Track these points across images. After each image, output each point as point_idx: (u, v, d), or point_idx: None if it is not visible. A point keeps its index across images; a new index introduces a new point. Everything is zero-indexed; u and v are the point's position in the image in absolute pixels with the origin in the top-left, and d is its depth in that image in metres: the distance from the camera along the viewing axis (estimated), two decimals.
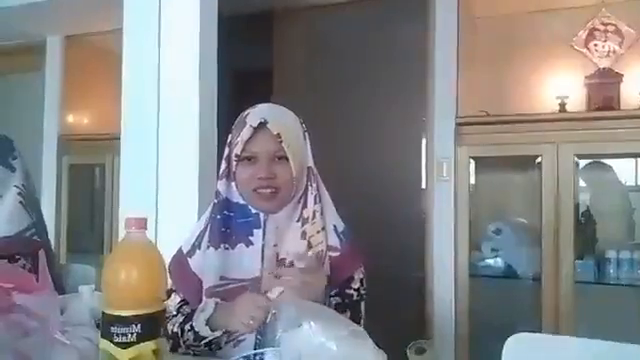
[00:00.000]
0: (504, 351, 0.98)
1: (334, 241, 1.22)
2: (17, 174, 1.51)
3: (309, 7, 3.46)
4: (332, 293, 1.19)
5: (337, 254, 1.21)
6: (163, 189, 2.03)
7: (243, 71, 3.54)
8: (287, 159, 1.18)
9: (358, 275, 1.24)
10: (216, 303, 1.14)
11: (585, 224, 2.86)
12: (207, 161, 1.98)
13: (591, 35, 3.05)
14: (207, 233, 1.23)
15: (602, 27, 3.05)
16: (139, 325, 0.77)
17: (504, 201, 3.15)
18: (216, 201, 1.24)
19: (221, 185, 1.24)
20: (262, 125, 1.18)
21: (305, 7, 3.47)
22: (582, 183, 2.90)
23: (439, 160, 2.87)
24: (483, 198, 3.09)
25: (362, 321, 1.23)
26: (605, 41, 3.03)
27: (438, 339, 2.78)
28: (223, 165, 1.25)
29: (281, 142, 1.18)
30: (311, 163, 1.26)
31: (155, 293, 0.80)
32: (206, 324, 1.11)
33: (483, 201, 3.08)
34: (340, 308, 1.17)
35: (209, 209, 1.28)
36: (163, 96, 2.06)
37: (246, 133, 1.18)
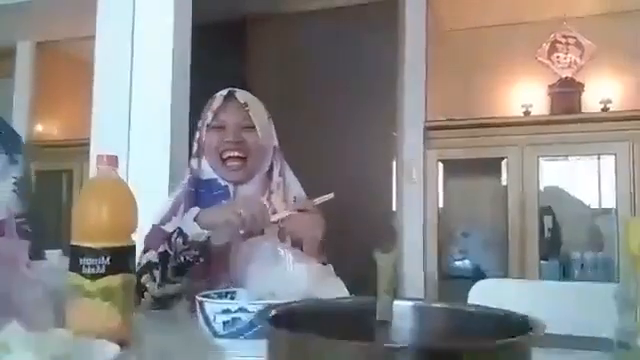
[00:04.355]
0: (470, 296, 1.01)
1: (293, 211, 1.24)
2: (18, 167, 1.55)
3: (281, 15, 3.52)
4: None
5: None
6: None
7: (216, 78, 3.57)
8: (254, 128, 1.24)
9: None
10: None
11: (550, 226, 2.93)
12: (178, 169, 1.97)
13: (553, 47, 3.18)
14: (183, 205, 1.26)
15: (564, 40, 3.18)
16: (108, 257, 0.77)
17: (472, 204, 3.21)
18: (190, 176, 1.30)
19: (194, 163, 1.30)
20: (230, 95, 1.26)
21: (277, 15, 3.53)
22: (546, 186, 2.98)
23: (408, 163, 2.93)
24: (452, 201, 3.14)
25: None
26: (567, 53, 3.15)
27: None
28: (195, 146, 1.31)
29: (248, 111, 1.25)
30: (276, 143, 1.33)
31: (125, 227, 0.81)
32: (194, 220, 1.13)
33: (452, 204, 3.14)
34: None
35: (181, 187, 1.31)
36: (135, 104, 2.04)
37: (216, 103, 1.26)
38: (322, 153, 3.30)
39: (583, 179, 3.11)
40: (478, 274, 2.95)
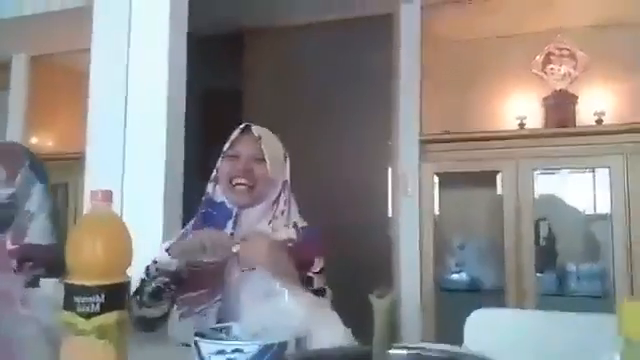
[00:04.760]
0: (466, 327, 1.01)
1: (292, 234, 1.36)
2: (51, 197, 1.69)
3: (278, 29, 3.53)
4: None
5: (292, 244, 1.33)
6: (128, 210, 2.00)
7: (213, 91, 3.57)
8: (264, 160, 1.36)
9: (319, 263, 1.34)
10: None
11: (546, 238, 2.93)
12: (173, 180, 1.97)
13: (547, 59, 3.19)
14: (191, 227, 1.41)
15: (557, 52, 3.19)
16: (103, 295, 0.76)
17: (468, 217, 3.21)
18: (204, 199, 1.43)
19: (210, 187, 1.43)
20: (247, 128, 1.40)
21: (274, 29, 3.54)
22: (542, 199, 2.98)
23: (404, 177, 2.93)
24: (447, 214, 3.14)
25: None
26: (560, 65, 3.17)
27: None
28: (214, 173, 1.44)
29: (260, 144, 1.37)
30: (287, 178, 1.44)
31: (119, 264, 0.80)
32: (166, 250, 1.24)
33: (447, 217, 3.14)
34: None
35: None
36: (130, 116, 2.04)
37: (234, 134, 1.40)
38: (318, 165, 3.30)
39: (578, 192, 3.11)
40: (475, 287, 2.96)
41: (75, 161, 2.86)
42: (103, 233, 0.79)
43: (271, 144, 1.41)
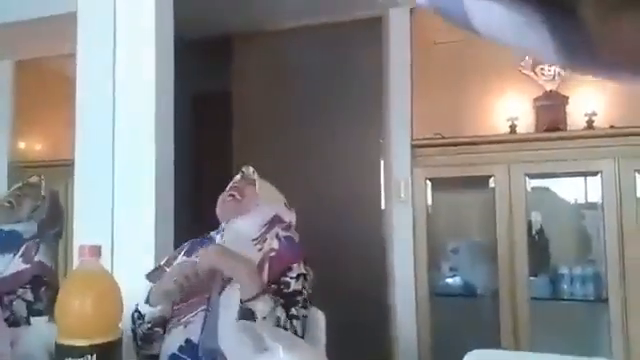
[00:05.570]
0: None
1: (275, 245, 1.44)
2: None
3: (268, 32, 3.50)
4: (271, 281, 1.36)
5: (274, 253, 1.41)
6: (119, 215, 1.99)
7: (202, 95, 3.54)
8: (254, 184, 1.53)
9: (298, 268, 1.39)
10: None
11: (538, 242, 2.94)
12: (164, 186, 1.96)
13: (537, 59, 3.17)
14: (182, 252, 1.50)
15: None
16: (94, 356, 0.75)
17: (461, 221, 3.21)
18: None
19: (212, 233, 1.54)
20: (247, 169, 1.61)
21: (264, 32, 3.50)
22: (534, 202, 2.98)
23: (396, 182, 2.92)
24: (440, 218, 3.14)
25: (301, 318, 1.33)
26: (550, 65, 3.15)
27: (401, 357, 2.79)
28: None
29: (253, 172, 1.57)
30: (292, 220, 1.55)
31: (110, 322, 0.79)
32: (146, 302, 1.31)
33: (440, 221, 3.14)
34: (278, 294, 1.31)
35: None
36: (118, 120, 2.03)
37: (236, 178, 1.60)
38: (308, 170, 3.28)
39: (570, 195, 3.12)
40: (469, 291, 2.96)
41: (65, 168, 2.83)
42: (92, 291, 0.78)
43: (264, 183, 1.55)
